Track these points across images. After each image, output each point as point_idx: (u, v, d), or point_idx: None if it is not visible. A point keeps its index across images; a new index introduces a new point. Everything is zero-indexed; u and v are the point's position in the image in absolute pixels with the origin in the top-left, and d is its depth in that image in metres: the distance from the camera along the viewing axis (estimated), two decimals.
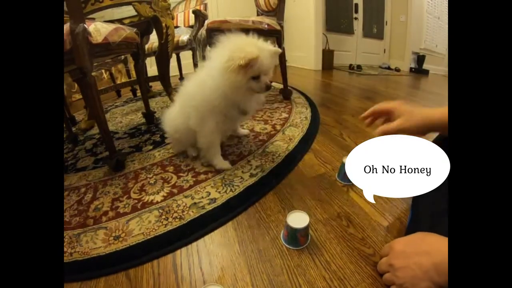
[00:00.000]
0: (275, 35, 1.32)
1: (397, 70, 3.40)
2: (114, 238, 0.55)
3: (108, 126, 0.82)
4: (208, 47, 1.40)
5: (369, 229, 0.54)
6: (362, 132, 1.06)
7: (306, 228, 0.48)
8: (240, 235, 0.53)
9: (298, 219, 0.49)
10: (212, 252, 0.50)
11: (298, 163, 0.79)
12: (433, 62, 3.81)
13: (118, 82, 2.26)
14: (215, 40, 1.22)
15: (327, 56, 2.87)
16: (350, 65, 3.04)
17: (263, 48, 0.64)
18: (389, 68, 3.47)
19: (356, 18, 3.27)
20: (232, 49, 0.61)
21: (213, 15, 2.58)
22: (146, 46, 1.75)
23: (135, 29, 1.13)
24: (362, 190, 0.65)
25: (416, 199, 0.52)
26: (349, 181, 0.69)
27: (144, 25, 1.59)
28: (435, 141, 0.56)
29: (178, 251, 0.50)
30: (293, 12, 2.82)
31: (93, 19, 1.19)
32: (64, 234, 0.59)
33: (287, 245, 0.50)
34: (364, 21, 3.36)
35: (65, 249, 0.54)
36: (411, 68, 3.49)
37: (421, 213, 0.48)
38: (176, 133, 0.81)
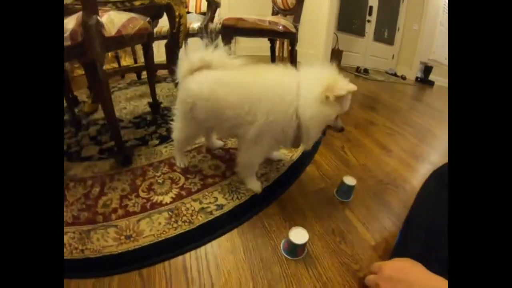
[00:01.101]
0: (290, 37, 1.34)
1: (403, 78, 3.45)
2: (125, 238, 0.59)
3: (117, 121, 0.85)
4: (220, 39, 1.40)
5: (358, 247, 0.62)
6: (363, 147, 1.13)
7: (305, 244, 0.55)
8: (245, 242, 0.60)
9: (298, 235, 0.56)
10: (219, 257, 0.56)
11: (301, 174, 0.85)
12: (440, 74, 3.87)
13: (122, 61, 2.23)
14: (228, 37, 1.23)
15: (336, 56, 2.89)
16: (358, 67, 3.07)
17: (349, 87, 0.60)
18: (395, 74, 3.51)
19: (369, 21, 3.26)
20: (327, 80, 0.59)
21: (224, 5, 2.52)
22: (155, 30, 1.72)
23: (148, 18, 1.13)
24: (356, 208, 0.73)
25: (406, 225, 0.59)
26: (346, 198, 0.76)
27: (155, 9, 1.56)
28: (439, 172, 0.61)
29: (188, 254, 0.56)
30: (307, 9, 2.77)
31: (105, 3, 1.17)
32: (73, 229, 0.62)
33: (286, 256, 0.57)
34: (377, 25, 3.36)
35: (76, 245, 0.58)
36: (417, 78, 3.55)
37: (410, 240, 0.55)
38: (192, 111, 0.70)
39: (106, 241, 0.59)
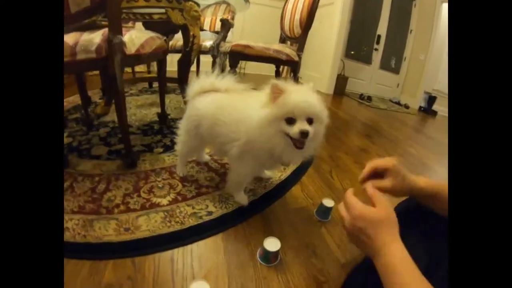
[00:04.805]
0: (292, 65, 1.51)
1: (407, 107, 3.60)
2: (124, 229, 0.71)
3: (128, 127, 0.99)
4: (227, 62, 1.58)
5: (328, 262, 0.72)
6: (350, 173, 1.25)
7: (277, 252, 0.66)
8: (226, 245, 0.71)
9: (272, 244, 0.67)
10: (203, 255, 0.68)
11: (286, 193, 0.97)
12: (444, 104, 4.01)
13: (137, 67, 2.44)
14: (235, 61, 1.40)
15: (341, 81, 3.07)
16: (361, 94, 3.24)
17: (302, 89, 0.67)
18: (398, 103, 3.67)
19: (376, 49, 3.47)
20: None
21: (238, 26, 2.76)
22: (170, 43, 1.92)
23: (164, 37, 1.31)
24: (332, 228, 0.83)
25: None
26: (324, 218, 0.87)
27: (172, 25, 1.77)
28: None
29: (176, 250, 0.68)
30: (316, 34, 3.01)
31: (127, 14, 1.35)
32: (78, 217, 0.73)
33: (260, 261, 0.68)
34: (384, 53, 3.57)
35: (79, 231, 0.69)
36: (420, 107, 3.69)
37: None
38: (197, 128, 0.83)
39: (107, 231, 0.70)
